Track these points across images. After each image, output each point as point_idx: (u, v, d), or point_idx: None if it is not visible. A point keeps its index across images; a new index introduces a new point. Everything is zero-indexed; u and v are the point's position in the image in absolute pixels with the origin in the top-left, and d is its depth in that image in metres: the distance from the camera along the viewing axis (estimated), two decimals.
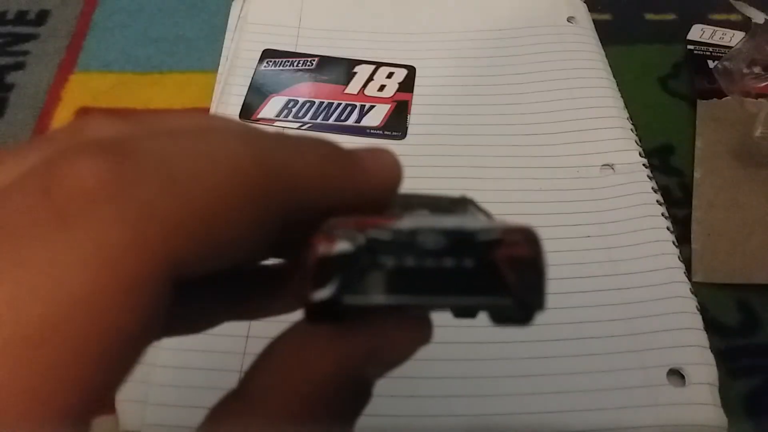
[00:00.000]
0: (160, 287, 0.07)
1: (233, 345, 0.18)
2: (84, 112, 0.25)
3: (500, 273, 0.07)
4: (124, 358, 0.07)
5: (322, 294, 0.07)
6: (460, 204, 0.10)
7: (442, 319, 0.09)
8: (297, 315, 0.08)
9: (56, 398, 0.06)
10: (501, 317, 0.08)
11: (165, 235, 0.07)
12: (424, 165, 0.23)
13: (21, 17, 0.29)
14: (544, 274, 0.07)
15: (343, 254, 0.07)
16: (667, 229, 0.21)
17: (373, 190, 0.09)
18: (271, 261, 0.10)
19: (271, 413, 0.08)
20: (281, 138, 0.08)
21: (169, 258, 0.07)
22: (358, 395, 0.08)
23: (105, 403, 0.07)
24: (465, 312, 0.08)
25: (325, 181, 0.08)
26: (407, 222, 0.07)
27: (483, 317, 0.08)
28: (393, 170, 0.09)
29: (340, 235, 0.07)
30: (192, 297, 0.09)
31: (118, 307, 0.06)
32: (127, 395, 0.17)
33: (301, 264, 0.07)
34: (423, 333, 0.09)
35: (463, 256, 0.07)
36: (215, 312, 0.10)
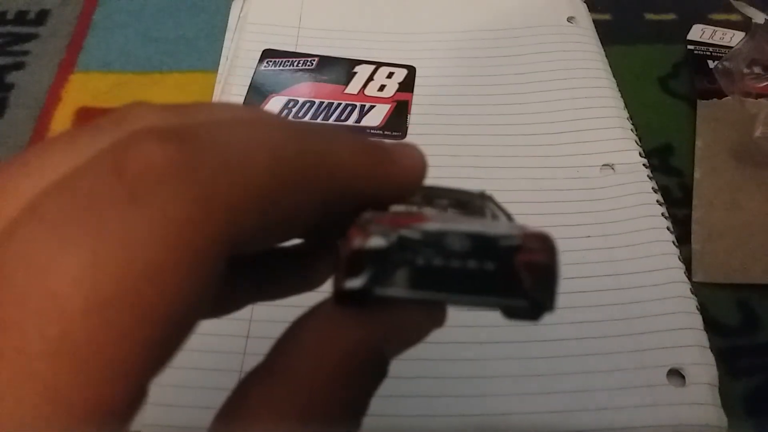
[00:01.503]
0: (218, 260, 0.07)
1: (233, 345, 0.18)
2: (84, 113, 0.25)
3: (518, 276, 0.08)
4: (183, 328, 0.07)
5: (354, 283, 0.08)
6: (480, 199, 0.11)
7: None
8: (312, 297, 0.09)
9: (127, 361, 0.06)
10: (512, 314, 0.08)
11: (225, 212, 0.07)
12: None
13: (21, 17, 0.29)
14: (557, 279, 0.08)
15: (377, 249, 0.08)
16: (667, 229, 0.21)
17: (402, 181, 0.09)
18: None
19: (296, 386, 0.08)
20: (320, 128, 0.09)
21: (228, 233, 0.07)
22: (376, 372, 0.09)
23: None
24: (481, 306, 0.08)
25: (360, 170, 0.09)
26: (436, 224, 0.08)
27: (490, 314, 0.08)
28: (420, 164, 0.10)
29: (375, 231, 0.08)
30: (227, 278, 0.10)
31: (183, 278, 0.07)
32: None
33: (337, 252, 0.08)
34: (438, 316, 0.09)
35: (485, 259, 0.08)
36: (246, 293, 0.11)
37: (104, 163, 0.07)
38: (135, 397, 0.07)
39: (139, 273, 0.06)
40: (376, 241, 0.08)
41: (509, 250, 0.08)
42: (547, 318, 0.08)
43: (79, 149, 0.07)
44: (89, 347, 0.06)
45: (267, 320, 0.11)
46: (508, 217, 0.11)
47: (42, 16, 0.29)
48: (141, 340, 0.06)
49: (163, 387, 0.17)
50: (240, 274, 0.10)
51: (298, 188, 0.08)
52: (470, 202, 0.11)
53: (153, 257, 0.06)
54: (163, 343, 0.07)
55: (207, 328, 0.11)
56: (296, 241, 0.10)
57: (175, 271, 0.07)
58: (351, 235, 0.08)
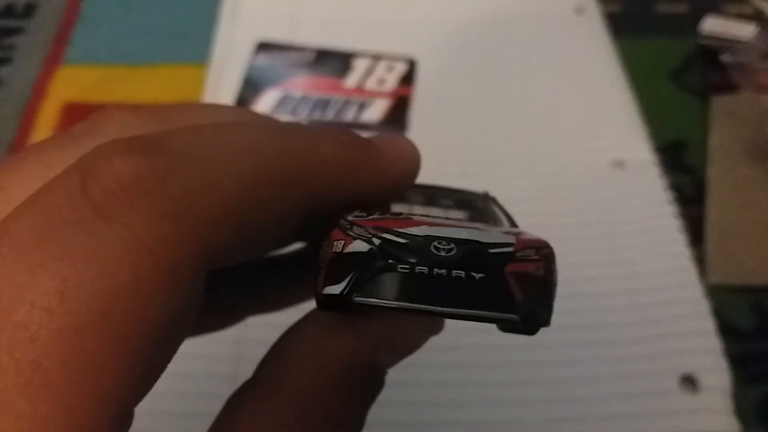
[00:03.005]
0: (196, 275, 0.07)
1: (226, 350, 0.17)
2: (71, 108, 0.24)
3: (508, 288, 0.07)
4: (164, 347, 0.07)
5: (334, 289, 0.07)
6: (483, 201, 0.10)
7: (448, 325, 0.09)
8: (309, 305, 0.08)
9: (104, 387, 0.06)
10: (506, 327, 0.08)
11: (199, 225, 0.07)
12: (426, 162, 0.22)
13: (8, 10, 0.28)
14: (552, 291, 0.08)
15: (358, 254, 0.07)
16: (679, 229, 0.21)
17: (392, 177, 0.09)
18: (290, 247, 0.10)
19: (286, 401, 0.08)
20: (302, 127, 0.09)
21: (204, 247, 0.07)
22: (372, 383, 0.09)
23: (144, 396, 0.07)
24: (468, 319, 0.08)
25: (346, 168, 0.09)
26: (424, 229, 0.07)
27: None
28: (411, 157, 0.09)
29: (357, 235, 0.07)
30: (220, 293, 0.10)
31: (160, 295, 0.06)
32: None
33: (318, 256, 0.08)
34: (435, 324, 0.09)
35: (473, 268, 0.07)
36: (238, 307, 0.11)
37: (71, 181, 0.07)
38: (117, 423, 0.06)
39: (111, 296, 0.06)
40: (358, 246, 0.07)
41: (500, 260, 0.07)
42: (555, 322, 0.07)
43: (48, 163, 0.07)
44: (63, 376, 0.06)
45: (261, 325, 0.11)
46: (510, 220, 0.10)
47: (29, 9, 0.28)
48: (118, 365, 0.06)
49: (155, 394, 0.17)
50: (235, 285, 0.10)
51: (279, 192, 0.08)
52: (473, 204, 0.10)
53: (125, 278, 0.06)
54: (143, 364, 0.06)
55: (197, 349, 0.11)
56: (298, 245, 0.10)
57: (150, 291, 0.06)
58: (332, 238, 0.08)
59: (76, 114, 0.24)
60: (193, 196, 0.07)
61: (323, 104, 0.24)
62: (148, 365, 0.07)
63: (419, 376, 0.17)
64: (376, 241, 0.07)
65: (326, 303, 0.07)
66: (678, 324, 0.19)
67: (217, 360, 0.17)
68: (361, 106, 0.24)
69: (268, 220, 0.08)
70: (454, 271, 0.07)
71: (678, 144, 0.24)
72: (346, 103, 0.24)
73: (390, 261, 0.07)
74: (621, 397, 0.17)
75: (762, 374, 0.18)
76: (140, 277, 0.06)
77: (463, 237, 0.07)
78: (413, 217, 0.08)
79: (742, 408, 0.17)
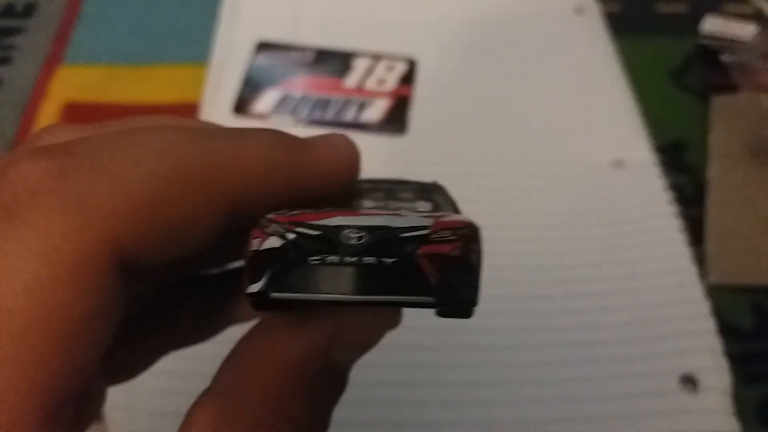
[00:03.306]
0: (105, 269, 0.07)
1: (225, 349, 0.17)
2: (71, 108, 0.24)
3: (421, 271, 0.07)
4: (79, 339, 0.07)
5: (254, 288, 0.07)
6: (430, 190, 0.10)
7: (446, 324, 0.09)
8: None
9: (17, 382, 0.06)
10: (441, 312, 0.07)
11: (104, 221, 0.07)
12: (426, 161, 0.23)
13: (8, 10, 0.28)
14: (472, 269, 0.07)
15: (272, 250, 0.07)
16: (679, 229, 0.21)
17: (327, 174, 0.09)
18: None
19: (244, 405, 0.08)
20: (228, 129, 0.09)
21: (110, 242, 0.07)
22: (332, 382, 0.08)
23: (78, 393, 0.07)
24: (386, 304, 0.08)
25: (270, 165, 0.08)
26: (337, 219, 0.07)
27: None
28: (346, 154, 0.09)
29: (272, 231, 0.07)
30: (190, 306, 0.10)
31: (67, 291, 0.07)
32: (115, 403, 0.17)
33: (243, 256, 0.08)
34: (390, 317, 0.09)
35: (384, 254, 0.07)
36: (216, 318, 0.11)
37: None
38: (49, 416, 0.06)
39: (17, 292, 0.06)
40: (272, 242, 0.07)
41: (412, 243, 0.07)
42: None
43: None
44: None
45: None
46: (454, 206, 0.10)
47: (29, 9, 0.28)
48: (33, 359, 0.06)
49: (152, 394, 0.17)
50: (209, 298, 0.10)
51: (196, 191, 0.08)
52: (429, 194, 0.10)
53: (30, 275, 0.06)
54: (62, 358, 0.07)
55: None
56: None
57: (58, 285, 0.06)
58: (252, 236, 0.08)
59: (76, 114, 0.24)
60: (97, 192, 0.07)
61: (323, 104, 0.24)
62: (67, 358, 0.07)
63: (419, 376, 0.17)
64: (290, 236, 0.07)
65: (253, 303, 0.07)
66: (678, 324, 0.18)
67: (218, 360, 0.17)
68: (361, 106, 0.24)
69: (186, 219, 0.08)
70: (365, 258, 0.07)
71: (678, 144, 0.24)
72: (346, 103, 0.24)
73: (301, 254, 0.07)
74: (621, 397, 0.17)
75: (762, 374, 0.18)
76: (43, 274, 0.06)
77: (375, 224, 0.07)
78: (337, 209, 0.08)
79: (742, 408, 0.17)
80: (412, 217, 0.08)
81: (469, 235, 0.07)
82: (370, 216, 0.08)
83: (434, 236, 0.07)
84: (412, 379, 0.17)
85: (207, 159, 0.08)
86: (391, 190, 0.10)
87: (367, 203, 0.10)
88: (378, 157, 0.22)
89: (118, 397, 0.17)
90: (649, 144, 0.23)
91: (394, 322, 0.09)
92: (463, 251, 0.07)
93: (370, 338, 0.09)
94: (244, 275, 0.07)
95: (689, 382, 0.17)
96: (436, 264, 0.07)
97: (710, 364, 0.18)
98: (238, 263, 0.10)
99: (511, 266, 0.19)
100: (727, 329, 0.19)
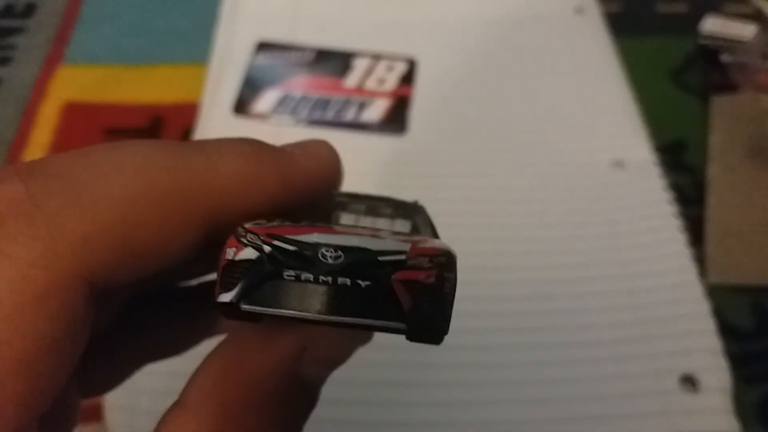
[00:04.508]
0: (74, 294, 0.07)
1: None
2: (71, 108, 0.24)
3: (395, 296, 0.07)
4: (47, 364, 0.07)
5: (225, 297, 0.07)
6: (413, 210, 0.10)
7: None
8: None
9: None
10: (410, 336, 0.07)
11: (73, 246, 0.07)
12: (426, 161, 0.23)
13: (8, 10, 0.28)
14: (444, 299, 0.07)
15: (247, 261, 0.07)
16: (679, 229, 0.21)
17: (304, 183, 0.09)
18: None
19: (211, 420, 0.08)
20: (202, 144, 0.08)
21: (79, 267, 0.07)
22: (301, 398, 0.08)
23: (46, 414, 0.07)
24: (356, 327, 0.08)
25: (246, 180, 0.08)
26: (315, 236, 0.07)
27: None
28: (326, 162, 0.09)
29: (249, 242, 0.07)
30: (167, 318, 0.10)
31: (34, 319, 0.07)
32: (115, 402, 0.17)
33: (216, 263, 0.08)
34: (359, 334, 0.09)
35: (359, 276, 0.07)
36: (194, 330, 0.11)
37: None
38: None
39: None
40: (248, 253, 0.07)
41: (388, 268, 0.07)
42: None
43: None
44: None
45: None
46: (433, 229, 0.10)
47: (29, 9, 0.28)
48: None
49: (152, 394, 0.17)
50: (188, 309, 0.10)
51: (169, 210, 0.08)
52: (409, 213, 0.10)
53: None
54: (28, 384, 0.07)
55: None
56: None
57: (25, 313, 0.06)
58: (227, 245, 0.07)
59: (76, 114, 0.24)
60: (66, 217, 0.07)
61: (323, 104, 0.24)
62: (33, 384, 0.07)
63: (419, 376, 0.17)
64: (266, 249, 0.07)
65: (223, 311, 0.07)
66: (678, 324, 0.18)
67: None
68: (361, 106, 0.24)
69: (158, 237, 0.07)
70: (340, 279, 0.07)
71: (678, 144, 0.24)
72: (346, 103, 0.24)
73: (277, 268, 0.07)
74: (621, 397, 0.17)
75: (762, 374, 0.18)
76: (10, 300, 0.06)
77: (353, 244, 0.07)
78: (315, 224, 0.08)
79: (742, 408, 0.17)
80: (390, 240, 0.08)
81: (444, 264, 0.07)
82: (348, 235, 0.07)
83: (410, 262, 0.07)
84: (412, 379, 0.17)
85: (181, 177, 0.08)
86: (371, 206, 0.10)
87: (346, 217, 0.10)
88: (378, 157, 0.22)
89: (118, 397, 0.17)
90: (649, 144, 0.23)
91: (364, 339, 0.09)
92: (438, 279, 0.07)
93: (339, 354, 0.09)
94: (215, 283, 0.07)
95: (689, 382, 0.17)
96: (410, 290, 0.07)
97: (710, 364, 0.18)
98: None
99: (511, 266, 0.19)
100: (727, 329, 0.19)
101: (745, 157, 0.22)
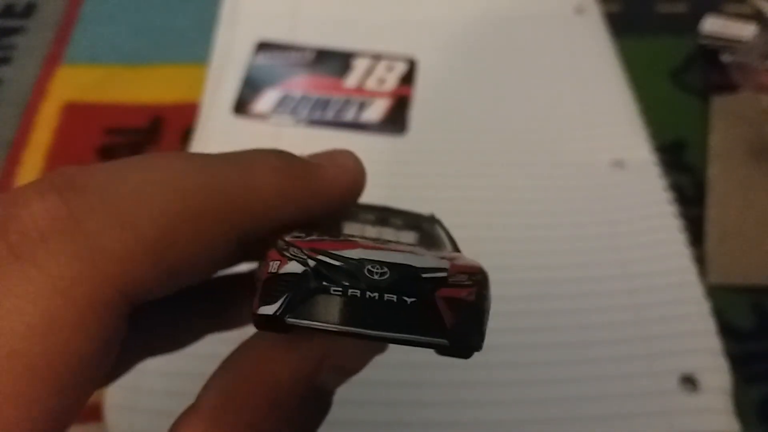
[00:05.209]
0: (113, 313, 0.07)
1: (225, 349, 0.17)
2: (71, 108, 0.24)
3: (439, 313, 0.07)
4: (81, 381, 0.07)
5: (268, 309, 0.07)
6: (429, 223, 0.10)
7: None
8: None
9: (18, 427, 0.06)
10: (442, 351, 0.08)
11: (113, 265, 0.07)
12: (426, 161, 0.23)
13: (8, 10, 0.28)
14: (483, 316, 0.08)
15: (292, 275, 0.07)
16: (679, 229, 0.21)
17: (333, 195, 0.09)
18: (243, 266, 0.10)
19: (227, 425, 0.08)
20: (234, 157, 0.09)
21: (119, 286, 0.07)
22: (317, 405, 0.08)
23: (68, 425, 0.07)
24: (399, 342, 0.08)
25: (279, 195, 0.08)
26: (359, 251, 0.08)
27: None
28: (353, 173, 0.09)
29: (292, 256, 0.07)
30: (169, 314, 0.10)
31: (72, 334, 0.07)
32: (115, 402, 0.17)
33: (255, 275, 0.08)
34: (377, 343, 0.09)
35: (405, 292, 0.07)
36: (196, 326, 0.11)
37: None
38: None
39: (19, 335, 0.06)
40: (292, 267, 0.07)
41: (432, 285, 0.07)
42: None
43: None
44: None
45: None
46: (453, 243, 0.10)
47: (29, 9, 0.28)
48: (33, 402, 0.06)
49: (152, 393, 0.17)
50: (190, 304, 0.10)
51: (205, 225, 0.08)
52: (421, 225, 0.10)
53: (34, 319, 0.06)
54: (59, 399, 0.07)
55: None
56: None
57: (63, 328, 0.07)
58: (269, 258, 0.08)
59: (76, 114, 0.24)
60: (108, 235, 0.07)
61: (323, 104, 0.24)
62: (63, 400, 0.07)
63: (418, 376, 0.17)
64: (311, 263, 0.07)
65: (261, 323, 0.07)
66: (678, 324, 0.18)
67: (218, 361, 0.17)
68: (361, 106, 0.24)
69: (194, 253, 0.08)
70: (387, 295, 0.07)
71: (678, 144, 0.24)
72: (346, 103, 0.24)
73: (323, 283, 0.07)
74: (621, 397, 0.17)
75: (762, 374, 0.18)
76: (51, 317, 0.06)
77: (397, 261, 0.07)
78: (352, 239, 0.08)
79: (742, 408, 0.17)
80: (430, 256, 0.08)
81: (482, 282, 0.08)
82: (391, 252, 0.08)
83: (452, 279, 0.07)
84: (412, 379, 0.17)
85: (217, 194, 0.08)
86: (382, 216, 0.10)
87: (353, 226, 0.10)
88: (378, 157, 0.22)
89: (118, 397, 0.17)
90: (649, 144, 0.23)
91: (381, 348, 0.09)
92: (478, 297, 0.07)
93: (358, 363, 0.09)
94: (255, 294, 0.07)
95: (689, 382, 0.17)
96: (452, 307, 0.07)
97: (710, 364, 0.18)
98: (221, 272, 0.10)
99: (511, 266, 0.19)
100: (727, 329, 0.19)
101: (745, 157, 0.22)
